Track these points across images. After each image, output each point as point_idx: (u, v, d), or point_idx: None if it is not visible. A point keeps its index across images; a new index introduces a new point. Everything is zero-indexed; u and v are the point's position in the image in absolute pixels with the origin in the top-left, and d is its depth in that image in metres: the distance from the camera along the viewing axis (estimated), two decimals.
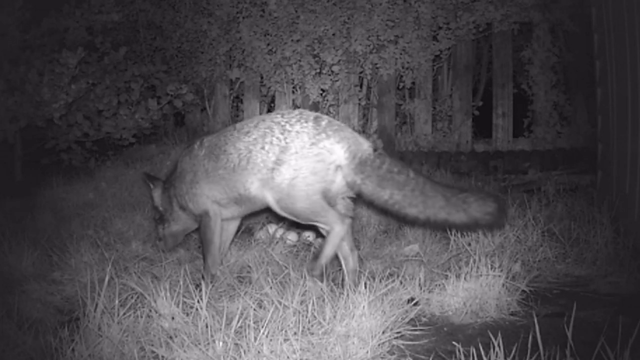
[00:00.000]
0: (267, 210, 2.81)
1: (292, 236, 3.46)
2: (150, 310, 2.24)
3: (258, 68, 5.61)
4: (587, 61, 4.95)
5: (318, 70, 5.54)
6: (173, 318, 2.21)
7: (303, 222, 2.72)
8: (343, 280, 2.70)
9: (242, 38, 5.58)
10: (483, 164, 5.55)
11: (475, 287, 2.51)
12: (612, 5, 3.57)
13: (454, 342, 2.12)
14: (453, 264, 2.81)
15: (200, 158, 2.77)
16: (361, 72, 5.65)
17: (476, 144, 5.74)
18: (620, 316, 2.18)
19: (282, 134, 2.56)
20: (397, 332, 2.20)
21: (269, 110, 6.12)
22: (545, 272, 2.97)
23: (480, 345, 1.96)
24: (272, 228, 3.56)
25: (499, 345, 1.89)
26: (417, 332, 2.28)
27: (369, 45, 5.43)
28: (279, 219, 3.24)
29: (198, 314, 2.16)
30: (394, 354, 2.12)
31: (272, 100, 6.02)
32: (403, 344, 2.19)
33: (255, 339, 2.00)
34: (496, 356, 1.89)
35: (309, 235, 3.46)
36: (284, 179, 2.54)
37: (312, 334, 2.13)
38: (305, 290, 2.41)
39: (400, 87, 5.72)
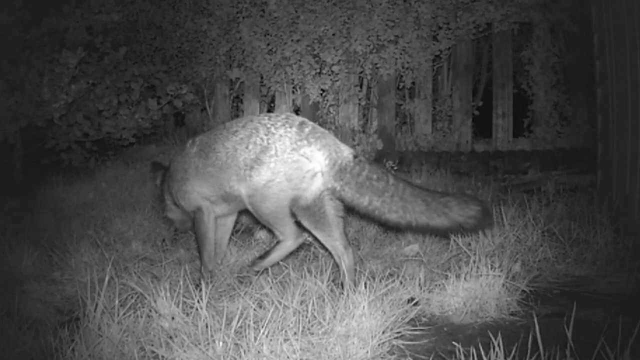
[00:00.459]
0: None
1: None
2: (150, 310, 2.24)
3: (258, 68, 5.62)
4: (587, 61, 4.95)
5: (318, 70, 5.55)
6: (173, 318, 2.21)
7: (262, 223, 2.77)
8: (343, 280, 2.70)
9: (242, 38, 5.58)
10: (483, 164, 5.55)
11: (475, 287, 2.51)
12: (612, 5, 3.57)
13: (454, 342, 2.12)
14: (453, 264, 2.81)
15: (192, 156, 2.83)
16: (361, 72, 5.65)
17: (476, 144, 5.74)
18: (620, 316, 2.18)
19: (266, 135, 2.61)
20: (397, 332, 2.20)
21: (269, 110, 6.12)
22: (545, 272, 2.97)
23: (480, 345, 1.96)
24: None
25: (499, 345, 1.89)
26: (417, 332, 2.28)
27: (369, 45, 5.43)
28: None
29: (198, 314, 2.16)
30: (394, 354, 2.12)
31: (272, 100, 6.02)
32: (403, 344, 2.19)
33: (255, 339, 2.00)
34: (496, 356, 1.89)
35: (308, 236, 3.46)
36: (261, 179, 2.59)
37: (312, 334, 2.13)
38: (305, 290, 2.41)
39: (400, 87, 5.72)
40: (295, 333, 2.08)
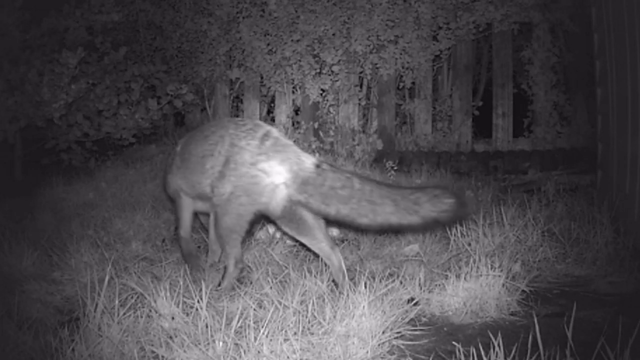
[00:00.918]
0: None
1: None
2: (150, 310, 2.24)
3: (258, 68, 5.62)
4: (587, 61, 4.95)
5: (318, 70, 5.54)
6: (173, 318, 2.20)
7: (217, 237, 2.82)
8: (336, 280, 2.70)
9: (242, 38, 5.58)
10: (483, 164, 5.55)
11: (475, 287, 2.51)
12: (612, 5, 3.56)
13: (454, 342, 2.12)
14: (453, 264, 2.81)
15: (176, 153, 3.01)
16: (361, 72, 5.65)
17: (476, 144, 5.75)
18: (620, 316, 2.18)
19: (229, 146, 2.66)
20: (397, 332, 2.20)
21: (269, 111, 6.13)
22: (545, 272, 2.97)
23: (480, 345, 1.96)
24: (272, 228, 3.56)
25: (499, 345, 1.89)
26: (417, 332, 2.28)
27: (369, 45, 5.43)
28: None
29: (198, 314, 2.16)
30: (394, 354, 2.12)
31: (272, 100, 6.02)
32: (403, 344, 2.19)
33: (255, 339, 2.00)
34: (496, 356, 1.89)
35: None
36: (224, 191, 2.64)
37: (312, 334, 2.13)
38: (305, 290, 2.41)
39: (400, 87, 5.72)
40: (295, 333, 2.08)
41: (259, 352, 1.98)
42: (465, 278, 2.56)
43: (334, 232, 3.48)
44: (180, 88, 5.32)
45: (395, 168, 4.71)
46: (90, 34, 5.24)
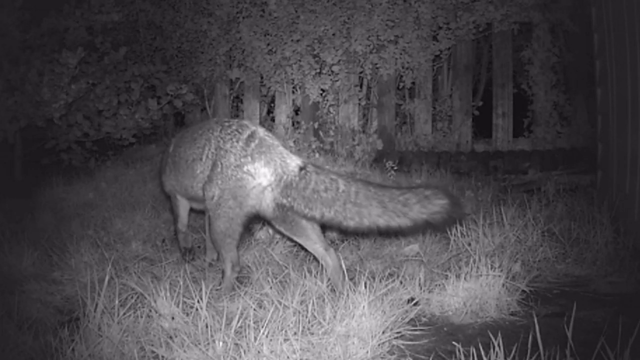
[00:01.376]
0: None
1: None
2: (150, 310, 2.24)
3: (258, 68, 5.61)
4: (587, 61, 4.95)
5: (318, 70, 5.54)
6: (173, 318, 2.20)
7: (211, 242, 2.85)
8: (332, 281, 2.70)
9: (242, 38, 5.58)
10: (483, 164, 5.55)
11: (475, 287, 2.51)
12: (612, 5, 3.57)
13: (454, 342, 2.12)
14: (453, 264, 2.81)
15: (168, 154, 3.04)
16: (361, 72, 5.64)
17: (476, 144, 5.74)
18: (620, 316, 2.17)
19: (215, 149, 2.66)
20: (397, 332, 2.20)
21: (269, 111, 6.13)
22: (545, 272, 2.97)
23: (480, 345, 1.96)
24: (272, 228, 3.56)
25: (499, 345, 1.89)
26: (417, 332, 2.28)
27: (369, 45, 5.43)
28: None
29: (198, 314, 2.16)
30: (394, 354, 2.12)
31: (272, 100, 6.02)
32: (403, 344, 2.19)
33: (255, 339, 2.00)
34: (496, 356, 1.89)
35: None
36: (213, 195, 2.64)
37: (312, 334, 2.13)
38: (305, 290, 2.41)
39: (400, 87, 5.72)
40: (295, 333, 2.08)
41: (259, 352, 1.98)
42: (465, 278, 2.56)
43: (334, 232, 3.48)
44: (180, 88, 5.32)
45: (395, 168, 4.71)
46: (90, 34, 5.24)
